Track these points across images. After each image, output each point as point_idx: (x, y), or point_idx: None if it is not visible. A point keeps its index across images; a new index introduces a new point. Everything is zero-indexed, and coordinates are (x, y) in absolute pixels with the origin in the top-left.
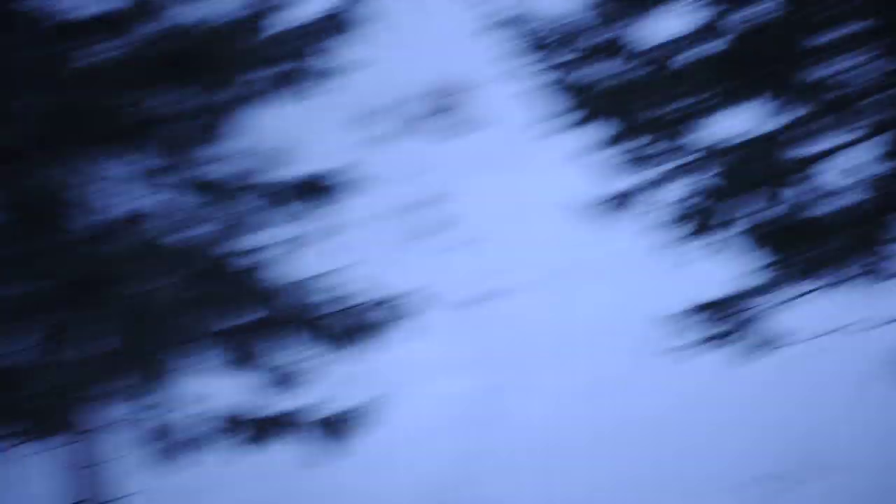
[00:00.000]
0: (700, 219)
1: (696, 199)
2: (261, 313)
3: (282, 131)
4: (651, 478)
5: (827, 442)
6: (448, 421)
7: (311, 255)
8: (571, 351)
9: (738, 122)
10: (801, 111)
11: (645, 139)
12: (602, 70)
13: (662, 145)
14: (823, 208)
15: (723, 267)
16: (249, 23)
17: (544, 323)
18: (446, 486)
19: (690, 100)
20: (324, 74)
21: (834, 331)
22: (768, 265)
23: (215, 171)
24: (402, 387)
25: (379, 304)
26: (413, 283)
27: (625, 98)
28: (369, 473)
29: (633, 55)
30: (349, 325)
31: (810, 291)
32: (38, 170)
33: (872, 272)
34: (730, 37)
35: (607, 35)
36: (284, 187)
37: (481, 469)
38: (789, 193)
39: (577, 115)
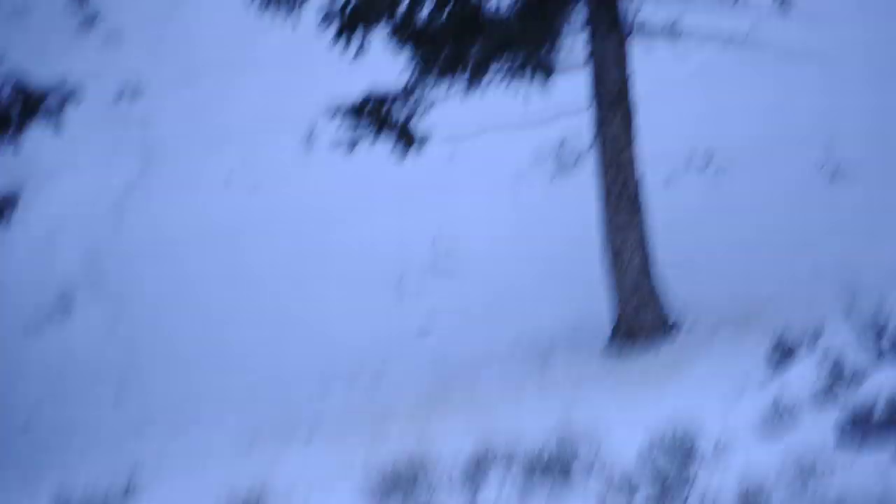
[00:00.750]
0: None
1: None
2: None
3: None
4: (313, 261)
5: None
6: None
7: None
8: (229, 144)
9: None
10: None
11: None
12: None
13: None
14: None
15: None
16: None
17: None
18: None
19: None
20: None
21: (496, 127)
22: (427, 61)
23: None
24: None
25: None
26: None
27: None
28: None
29: None
30: None
31: (474, 86)
32: None
33: (537, 67)
34: None
35: None
36: None
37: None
38: None
39: None
